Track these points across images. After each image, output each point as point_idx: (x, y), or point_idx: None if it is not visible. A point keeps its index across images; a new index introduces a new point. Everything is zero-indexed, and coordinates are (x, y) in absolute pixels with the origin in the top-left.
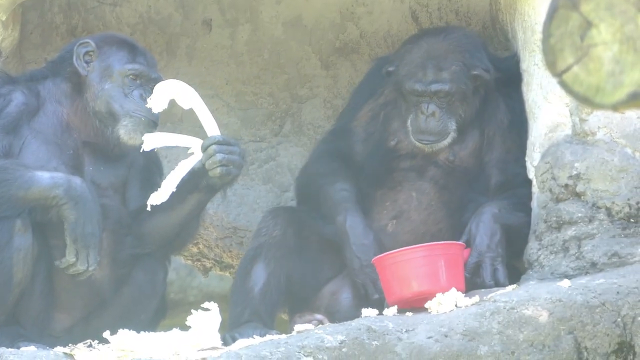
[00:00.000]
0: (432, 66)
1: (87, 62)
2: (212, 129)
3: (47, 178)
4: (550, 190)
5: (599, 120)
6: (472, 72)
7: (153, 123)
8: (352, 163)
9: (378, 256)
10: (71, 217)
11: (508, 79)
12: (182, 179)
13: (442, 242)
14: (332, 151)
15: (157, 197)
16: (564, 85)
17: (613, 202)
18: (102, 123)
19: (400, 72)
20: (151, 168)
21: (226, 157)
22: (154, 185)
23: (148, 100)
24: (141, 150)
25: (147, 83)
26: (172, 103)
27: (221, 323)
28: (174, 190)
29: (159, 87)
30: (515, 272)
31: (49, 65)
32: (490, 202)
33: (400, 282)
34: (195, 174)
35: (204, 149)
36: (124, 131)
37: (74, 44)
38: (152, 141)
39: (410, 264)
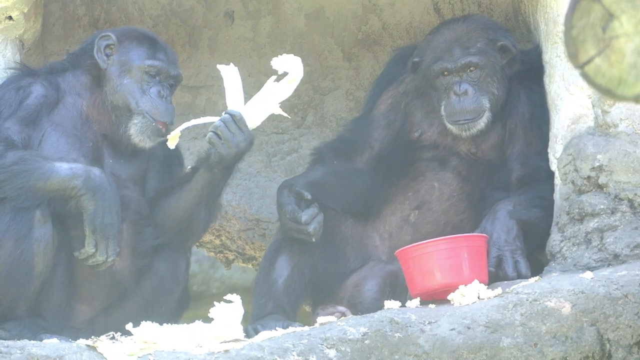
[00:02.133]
0: (457, 46)
1: (107, 55)
2: (253, 114)
3: (66, 169)
4: (573, 182)
5: (621, 112)
6: (499, 44)
7: (160, 132)
8: (358, 153)
9: (402, 248)
10: (90, 208)
11: (529, 71)
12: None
13: (466, 234)
14: (332, 145)
15: (172, 141)
16: (585, 77)
17: (635, 194)
18: (118, 119)
19: (426, 60)
20: (172, 160)
21: (221, 127)
22: (175, 177)
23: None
24: (169, 146)
25: (166, 80)
26: (196, 93)
27: (244, 315)
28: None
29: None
30: (537, 264)
31: (69, 57)
32: (505, 199)
33: (423, 274)
34: (204, 153)
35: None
36: (134, 132)
37: (94, 37)
38: (175, 136)
39: (434, 256)
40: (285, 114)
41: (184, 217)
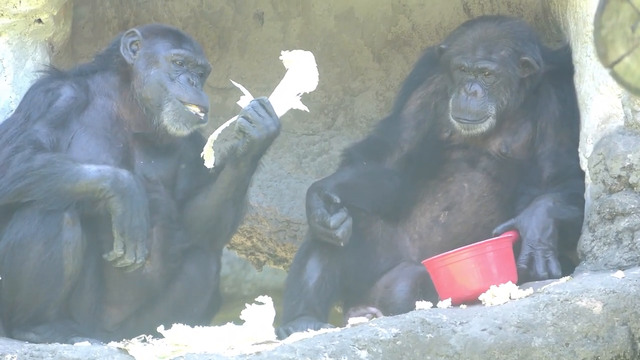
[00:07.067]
0: (482, 47)
1: (133, 51)
2: (277, 104)
3: (94, 171)
4: (603, 182)
5: None
6: (522, 58)
7: (195, 117)
8: (388, 153)
9: (429, 258)
10: (118, 210)
11: (560, 71)
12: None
13: (492, 239)
14: (363, 145)
15: (208, 161)
16: (615, 76)
17: None
18: (149, 111)
19: (450, 50)
20: (202, 161)
21: (250, 111)
22: (202, 178)
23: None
24: (206, 165)
25: (193, 69)
26: (226, 95)
27: (275, 317)
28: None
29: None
30: (568, 263)
31: (97, 59)
32: (544, 194)
33: (452, 283)
34: (229, 150)
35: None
36: (168, 121)
37: (120, 36)
38: (209, 152)
39: (461, 265)
40: (304, 107)
41: (212, 217)
